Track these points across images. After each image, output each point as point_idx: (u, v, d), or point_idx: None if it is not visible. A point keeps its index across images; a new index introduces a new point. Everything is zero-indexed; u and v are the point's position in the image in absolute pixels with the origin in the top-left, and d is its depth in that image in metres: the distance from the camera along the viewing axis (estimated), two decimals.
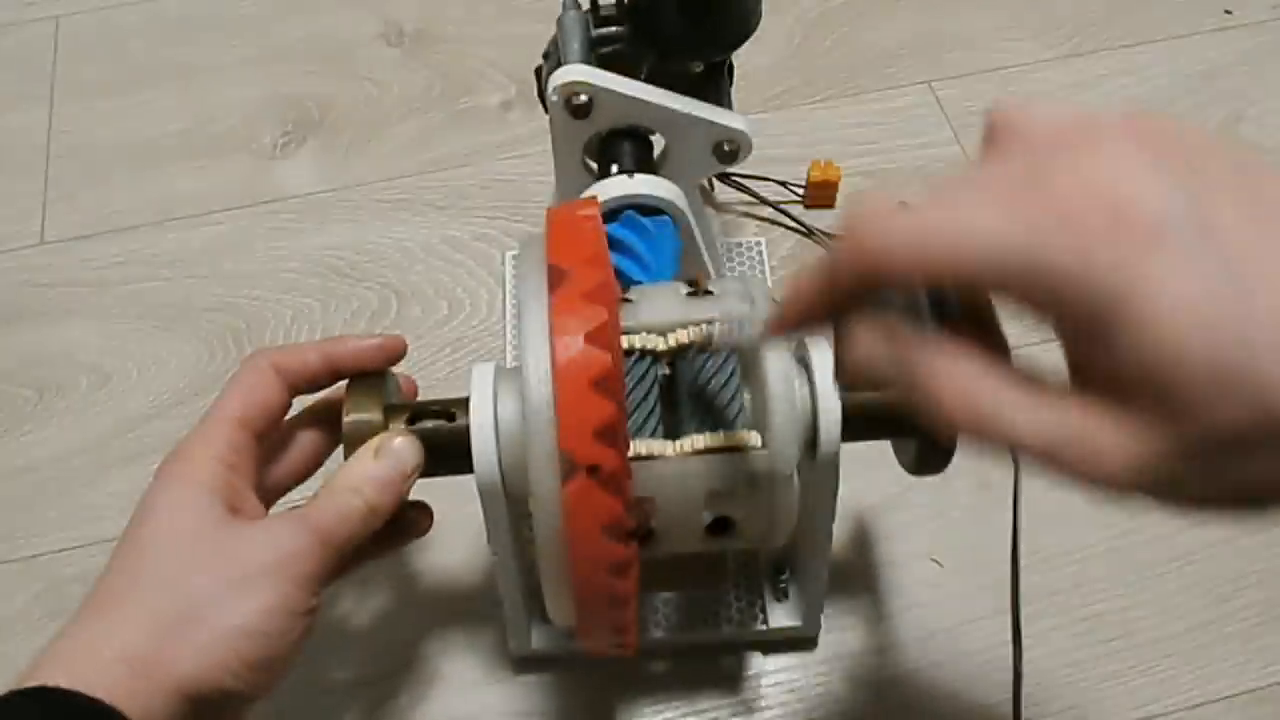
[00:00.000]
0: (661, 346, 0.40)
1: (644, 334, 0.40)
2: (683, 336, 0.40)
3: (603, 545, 0.35)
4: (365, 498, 0.39)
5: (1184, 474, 0.23)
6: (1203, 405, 0.22)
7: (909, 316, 0.27)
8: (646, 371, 0.40)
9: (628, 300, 0.42)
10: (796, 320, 0.30)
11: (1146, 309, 0.22)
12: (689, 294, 0.42)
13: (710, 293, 0.42)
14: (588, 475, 0.34)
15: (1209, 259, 0.22)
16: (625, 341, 0.38)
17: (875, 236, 0.26)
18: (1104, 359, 0.23)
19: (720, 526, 0.42)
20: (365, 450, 0.40)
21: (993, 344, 0.28)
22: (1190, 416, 0.22)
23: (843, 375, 0.31)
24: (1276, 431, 0.22)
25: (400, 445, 0.40)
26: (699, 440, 0.39)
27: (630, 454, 0.38)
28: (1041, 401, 0.25)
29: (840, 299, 0.28)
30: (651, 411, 0.40)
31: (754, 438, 0.39)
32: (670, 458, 0.39)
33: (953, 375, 0.26)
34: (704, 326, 0.40)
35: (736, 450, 0.39)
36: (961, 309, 0.27)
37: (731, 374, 0.40)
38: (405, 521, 0.45)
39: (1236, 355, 0.22)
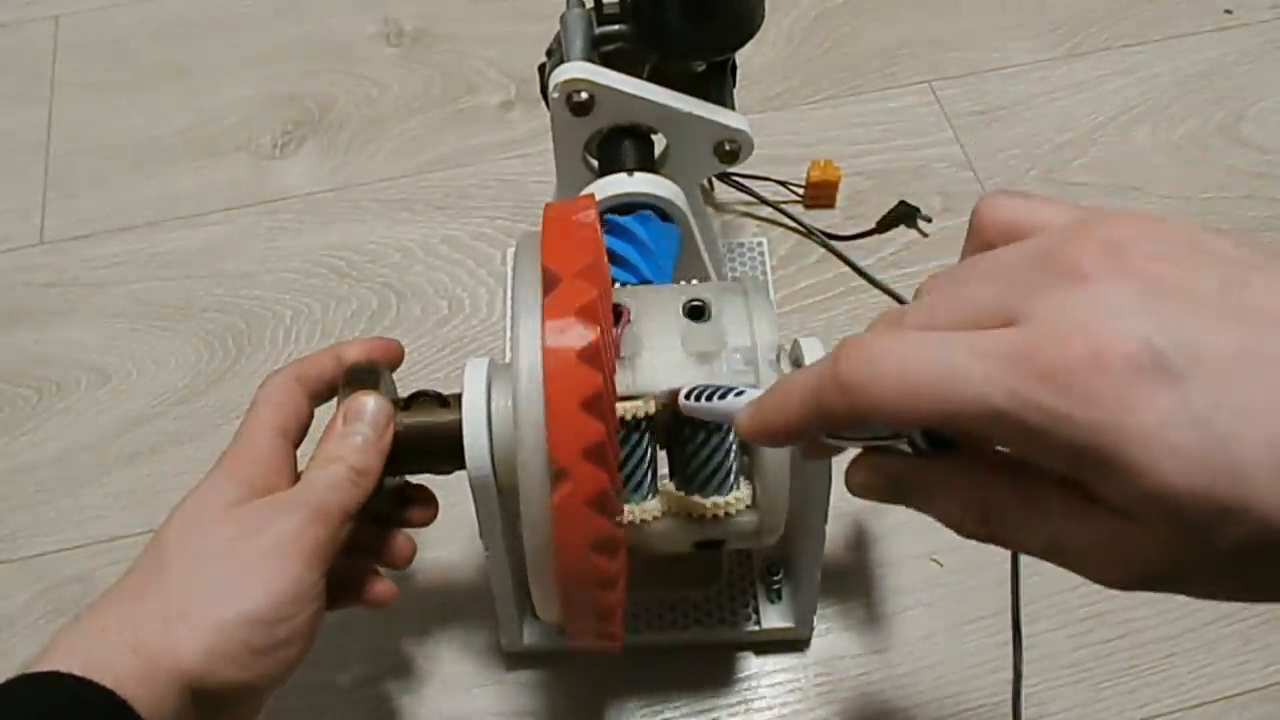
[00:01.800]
0: (654, 410, 0.39)
1: (638, 401, 0.38)
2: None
3: (591, 524, 0.35)
4: (348, 462, 0.39)
5: (1200, 580, 0.24)
6: (1206, 534, 0.22)
7: (903, 443, 0.28)
8: (640, 438, 0.39)
9: (624, 358, 0.40)
10: (775, 433, 0.29)
11: (1140, 453, 0.22)
12: (689, 352, 0.40)
13: (713, 352, 0.40)
14: (574, 489, 0.35)
15: (1198, 394, 0.22)
16: (620, 410, 0.38)
17: (858, 380, 0.25)
18: (1100, 493, 0.24)
19: (706, 545, 0.43)
20: (336, 416, 0.41)
21: (991, 465, 0.27)
22: (1194, 541, 0.23)
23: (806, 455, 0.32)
24: (1275, 545, 0.22)
25: (363, 403, 0.41)
26: (689, 506, 0.40)
27: (624, 519, 0.38)
28: (1042, 513, 0.26)
29: (822, 428, 0.28)
30: (643, 475, 0.40)
31: (743, 498, 0.40)
32: (661, 521, 0.40)
33: (952, 500, 0.27)
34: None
35: (727, 518, 0.40)
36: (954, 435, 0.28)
37: (726, 433, 0.40)
38: (401, 517, 0.46)
39: (1235, 488, 0.22)
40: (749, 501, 0.40)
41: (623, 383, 0.39)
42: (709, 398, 0.34)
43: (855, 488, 0.30)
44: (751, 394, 0.32)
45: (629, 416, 0.38)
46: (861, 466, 0.29)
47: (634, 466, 0.39)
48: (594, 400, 0.34)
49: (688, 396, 0.35)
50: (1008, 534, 0.26)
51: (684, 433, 0.40)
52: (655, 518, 0.40)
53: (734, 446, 0.40)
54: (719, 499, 0.40)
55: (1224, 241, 0.25)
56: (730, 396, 0.33)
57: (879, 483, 0.29)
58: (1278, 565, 0.23)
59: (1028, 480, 0.26)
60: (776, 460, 0.40)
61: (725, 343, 0.40)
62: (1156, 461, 0.22)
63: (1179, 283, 0.23)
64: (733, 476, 0.40)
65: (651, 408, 0.39)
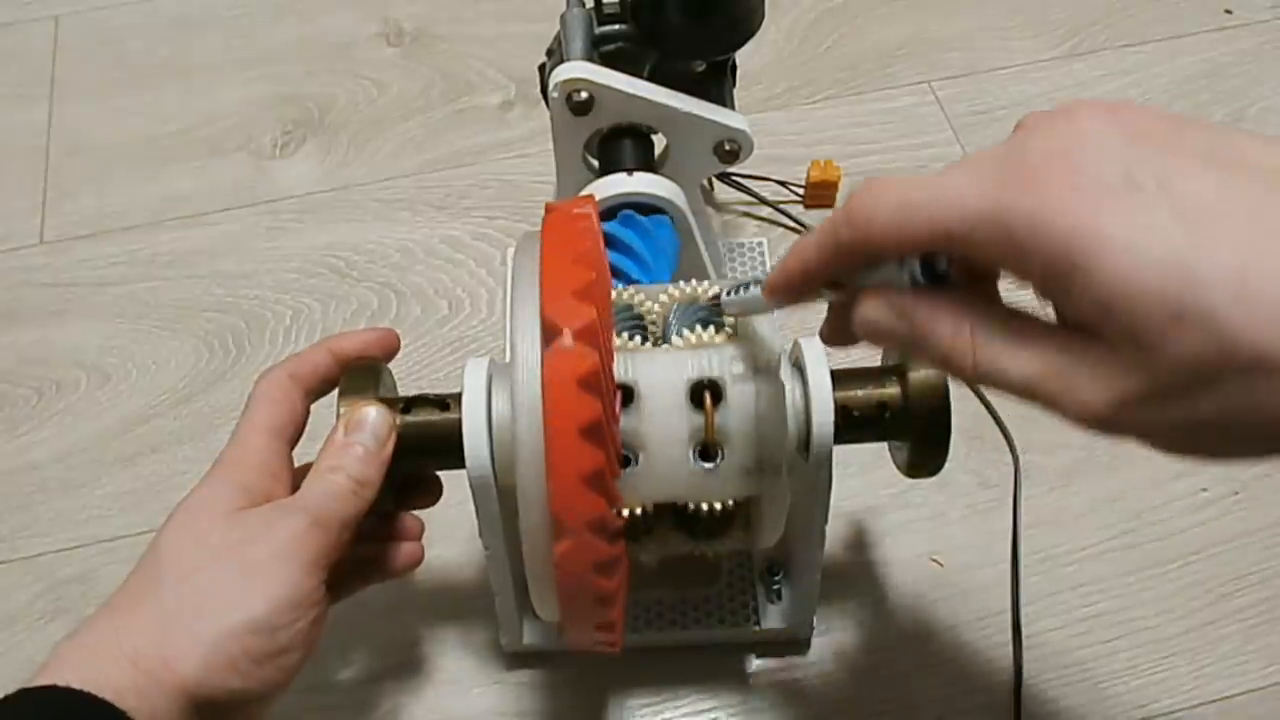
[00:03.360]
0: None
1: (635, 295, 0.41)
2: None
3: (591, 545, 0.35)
4: (348, 472, 0.39)
5: (1158, 405, 0.25)
6: (1162, 341, 0.24)
7: (905, 281, 0.30)
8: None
9: (627, 459, 0.39)
10: (796, 281, 0.32)
11: (1102, 252, 0.24)
12: (696, 456, 0.39)
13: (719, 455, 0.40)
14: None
15: (1163, 210, 0.24)
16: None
17: (864, 209, 0.29)
18: (1070, 303, 0.25)
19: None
20: (337, 426, 0.41)
21: (986, 298, 0.29)
22: (1154, 351, 0.24)
23: (832, 337, 0.34)
24: (1238, 365, 0.23)
25: (366, 414, 0.41)
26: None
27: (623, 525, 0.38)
28: (1026, 343, 0.27)
29: (837, 266, 0.31)
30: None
31: (740, 539, 0.41)
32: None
33: (945, 324, 0.28)
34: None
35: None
36: (954, 273, 0.30)
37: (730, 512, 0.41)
38: (398, 527, 0.46)
39: (1190, 293, 0.23)
40: (743, 543, 0.41)
41: (625, 488, 0.38)
42: (740, 291, 0.37)
43: (861, 325, 0.31)
44: None
45: (628, 512, 0.39)
46: (867, 302, 0.30)
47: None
48: (589, 379, 0.34)
49: (727, 293, 0.39)
50: (995, 363, 0.27)
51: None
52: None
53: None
54: (716, 544, 0.41)
55: (1212, 123, 0.27)
56: (753, 287, 0.36)
57: (883, 315, 0.30)
58: (1232, 393, 0.23)
59: (1016, 314, 0.28)
60: (774, 529, 0.41)
61: (731, 440, 0.39)
62: (1120, 263, 0.24)
63: (1166, 134, 0.25)
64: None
65: (649, 508, 0.40)
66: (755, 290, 0.36)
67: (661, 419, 0.39)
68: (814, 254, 0.31)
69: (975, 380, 0.28)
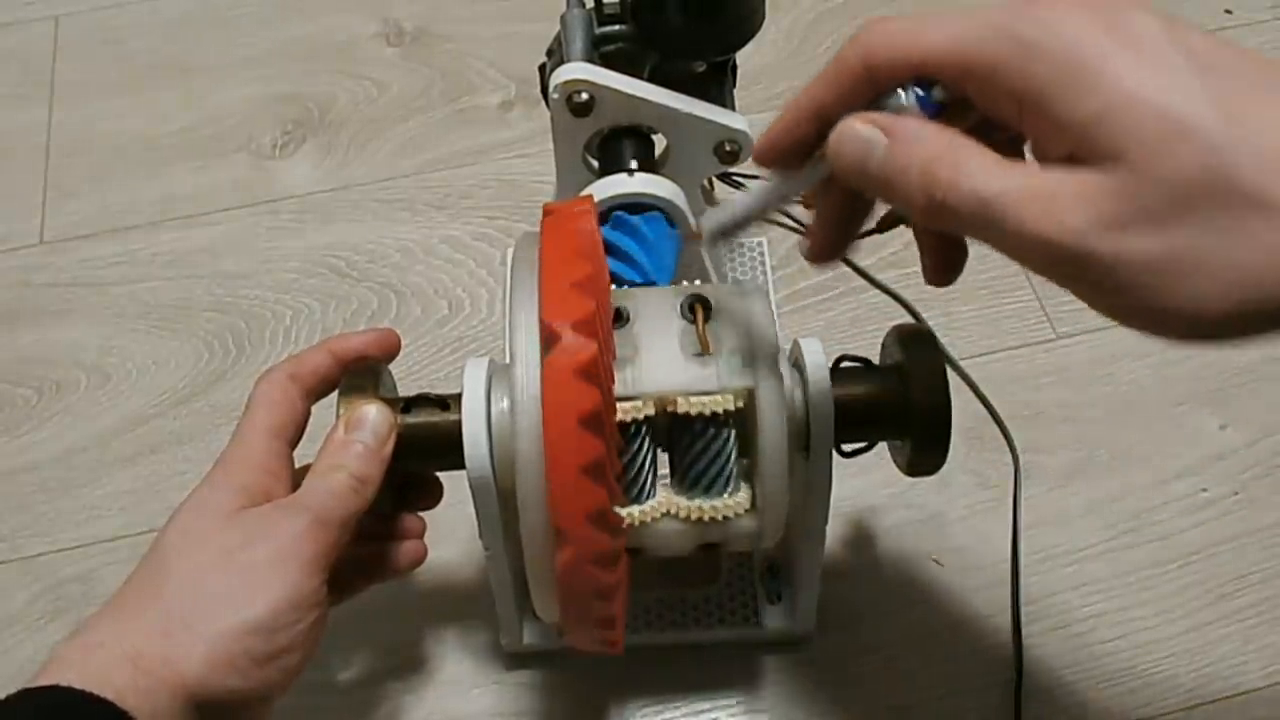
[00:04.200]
0: (654, 412, 0.39)
1: (637, 402, 0.39)
2: (677, 406, 0.39)
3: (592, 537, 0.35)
4: (349, 470, 0.39)
5: (1134, 230, 0.24)
6: (1156, 157, 0.24)
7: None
8: (639, 439, 0.39)
9: (622, 358, 0.40)
10: (792, 129, 0.32)
11: (1111, 61, 0.25)
12: (687, 352, 0.40)
13: (709, 351, 0.40)
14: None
15: (1172, 49, 0.25)
16: (620, 409, 0.38)
17: (867, 32, 0.29)
18: (1063, 119, 0.25)
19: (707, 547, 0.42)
20: (337, 426, 0.41)
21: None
22: (1145, 168, 0.24)
23: (817, 247, 0.34)
24: (1227, 195, 0.23)
25: (366, 412, 0.41)
26: (689, 509, 0.40)
27: (624, 522, 0.38)
28: (1008, 164, 0.27)
29: (834, 100, 0.30)
30: (642, 477, 0.40)
31: (742, 502, 0.40)
32: (660, 523, 0.40)
33: (926, 140, 0.28)
34: (700, 400, 0.39)
35: (727, 520, 0.40)
36: (948, 112, 0.29)
37: (726, 437, 0.40)
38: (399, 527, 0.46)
39: (1187, 109, 0.24)
40: (748, 505, 0.40)
41: (620, 383, 0.39)
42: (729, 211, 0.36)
43: (837, 143, 0.30)
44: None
45: (628, 419, 0.38)
46: (853, 117, 0.30)
47: (633, 469, 0.39)
48: (588, 370, 0.34)
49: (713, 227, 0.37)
50: (972, 178, 0.27)
51: (683, 436, 0.40)
52: (654, 519, 0.40)
53: (733, 449, 0.40)
54: (718, 502, 0.40)
55: None
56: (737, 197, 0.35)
57: (863, 129, 0.29)
58: (1215, 229, 0.24)
59: (999, 147, 0.28)
60: (775, 461, 0.39)
61: (723, 344, 0.40)
62: (1128, 72, 0.24)
63: (1157, 6, 0.26)
64: (732, 479, 0.40)
65: (650, 410, 0.39)
66: (739, 196, 0.35)
67: (654, 328, 0.40)
68: (811, 88, 0.31)
69: (944, 200, 0.27)
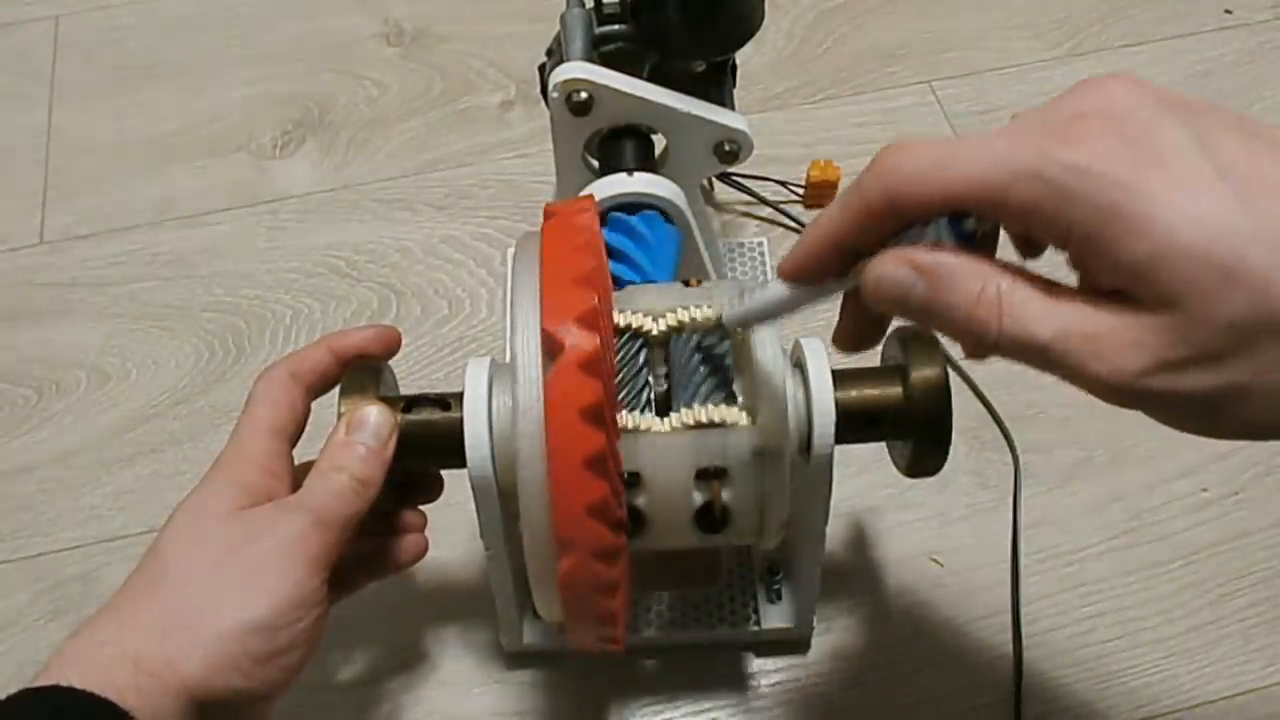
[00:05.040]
0: (652, 329, 0.40)
1: (635, 314, 0.39)
2: (675, 319, 0.39)
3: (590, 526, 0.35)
4: (350, 472, 0.39)
5: (1190, 370, 0.24)
6: (1203, 298, 0.24)
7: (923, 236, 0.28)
8: (636, 351, 0.40)
9: (622, 293, 0.41)
10: (815, 252, 0.30)
11: (1150, 206, 0.24)
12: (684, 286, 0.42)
13: (706, 289, 0.41)
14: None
15: (1209, 170, 0.24)
16: (617, 318, 0.39)
17: (892, 161, 0.28)
18: (1110, 261, 0.25)
19: (709, 519, 0.40)
20: (339, 427, 0.41)
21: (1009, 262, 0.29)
22: (1196, 312, 0.24)
23: (843, 338, 0.33)
24: (1271, 325, 0.23)
25: (367, 413, 0.40)
26: (688, 415, 0.39)
27: (619, 426, 0.38)
28: (1056, 303, 0.26)
29: (857, 230, 0.29)
30: (641, 388, 0.39)
31: (743, 416, 0.39)
32: (659, 432, 0.39)
33: (967, 280, 0.27)
34: (696, 309, 0.39)
35: (725, 426, 0.39)
36: (979, 239, 0.28)
37: (723, 356, 0.40)
38: (399, 522, 0.46)
39: (1235, 252, 0.23)
40: (746, 420, 0.39)
41: (618, 310, 0.40)
42: (744, 298, 0.36)
43: (874, 283, 0.29)
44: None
45: (624, 324, 0.39)
46: (883, 256, 0.29)
47: (635, 381, 0.39)
48: (590, 363, 0.34)
49: (730, 306, 0.37)
50: (1021, 322, 0.26)
51: (683, 359, 0.40)
52: (653, 429, 0.39)
53: (730, 369, 0.40)
54: (717, 408, 0.39)
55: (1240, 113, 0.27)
56: (757, 290, 0.34)
57: (901, 271, 0.28)
58: (1262, 356, 0.24)
59: (1041, 278, 0.27)
60: (772, 371, 0.39)
61: (717, 285, 0.41)
62: (1170, 219, 0.24)
63: (1188, 103, 0.26)
64: (728, 393, 0.40)
65: (648, 323, 0.39)
66: (761, 291, 0.35)
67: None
68: (833, 218, 0.29)
69: (996, 343, 0.27)
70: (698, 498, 0.40)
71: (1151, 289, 0.24)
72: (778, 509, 0.41)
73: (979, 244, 0.28)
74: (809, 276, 0.32)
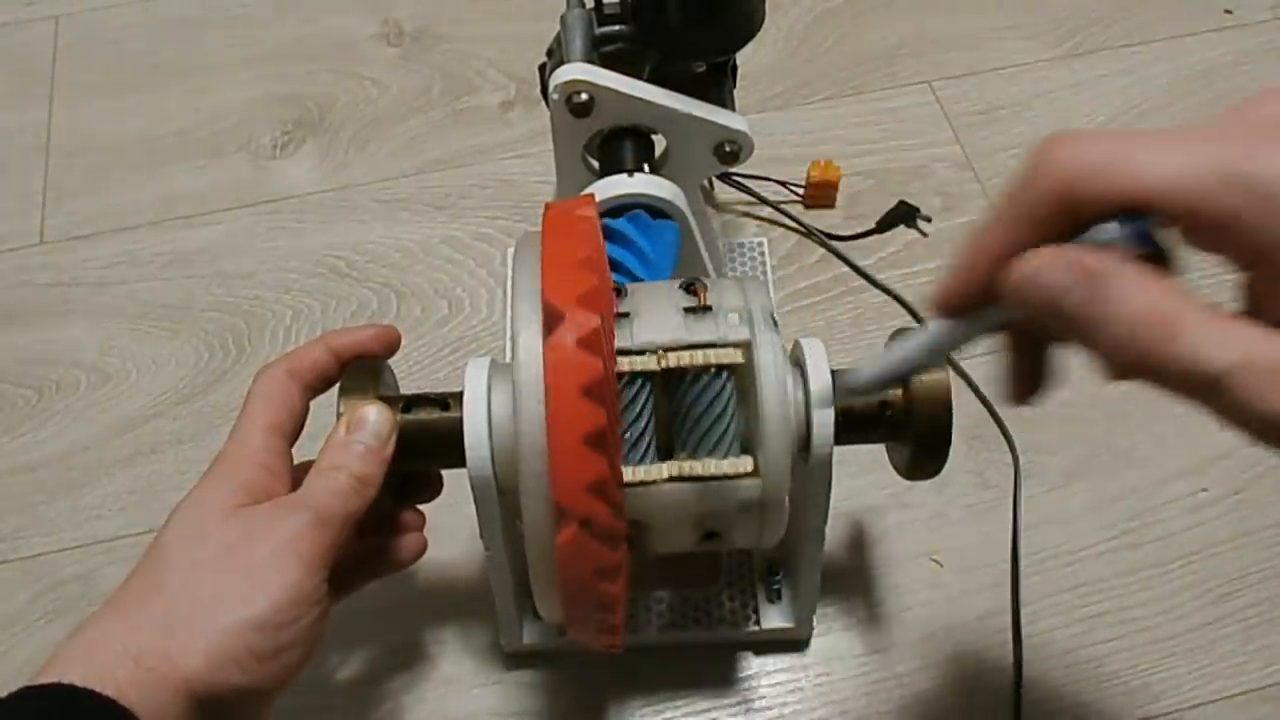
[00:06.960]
0: (655, 367, 0.39)
1: (639, 356, 0.39)
2: (678, 360, 0.39)
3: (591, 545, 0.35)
4: (350, 470, 0.39)
5: None
6: None
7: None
8: (640, 394, 0.39)
9: (623, 316, 0.40)
10: (978, 273, 0.27)
11: None
12: (686, 309, 0.40)
13: (709, 308, 0.40)
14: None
15: None
16: (620, 363, 0.38)
17: (1072, 151, 0.25)
18: None
19: (711, 536, 0.42)
20: (339, 426, 0.41)
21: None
22: None
23: (1016, 387, 0.29)
24: None
25: (367, 413, 0.41)
26: (691, 467, 0.39)
27: (624, 480, 0.38)
28: (1229, 328, 0.23)
29: (1031, 238, 0.26)
30: (644, 435, 0.39)
31: (745, 464, 0.39)
32: (662, 485, 0.39)
33: (1140, 292, 0.24)
34: (700, 353, 0.39)
35: (728, 479, 0.39)
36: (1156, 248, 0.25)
37: (727, 395, 0.39)
38: (397, 521, 0.46)
39: None
40: (750, 469, 0.39)
41: (621, 338, 0.39)
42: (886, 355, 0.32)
43: (1026, 279, 0.26)
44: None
45: (628, 370, 0.38)
46: (1043, 253, 0.25)
47: (635, 429, 0.39)
48: (593, 387, 0.34)
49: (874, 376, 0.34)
50: (1196, 347, 0.23)
51: (684, 395, 0.39)
52: (656, 480, 0.39)
53: (734, 409, 0.39)
54: (721, 460, 0.39)
55: None
56: (899, 340, 0.32)
57: (1057, 271, 0.25)
58: None
59: (1213, 303, 0.24)
60: (777, 418, 0.39)
61: (721, 305, 0.40)
62: None
63: None
64: (734, 443, 0.40)
65: (652, 364, 0.39)
66: (905, 341, 0.30)
67: (653, 292, 0.40)
68: (997, 225, 0.26)
69: (1158, 367, 0.24)
70: (698, 530, 0.41)
71: None
72: (776, 527, 0.41)
73: (1156, 254, 0.25)
74: (970, 304, 0.28)
